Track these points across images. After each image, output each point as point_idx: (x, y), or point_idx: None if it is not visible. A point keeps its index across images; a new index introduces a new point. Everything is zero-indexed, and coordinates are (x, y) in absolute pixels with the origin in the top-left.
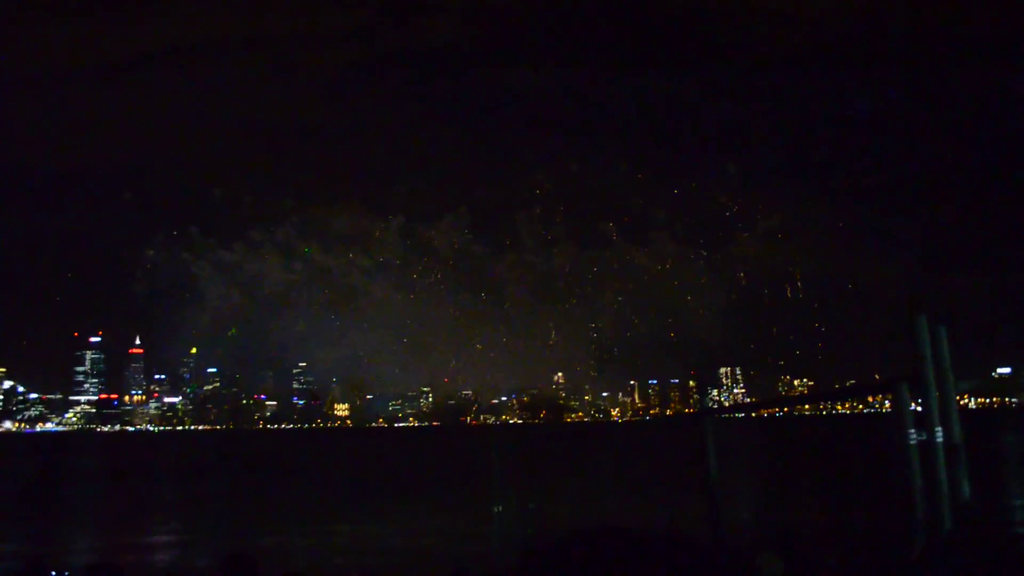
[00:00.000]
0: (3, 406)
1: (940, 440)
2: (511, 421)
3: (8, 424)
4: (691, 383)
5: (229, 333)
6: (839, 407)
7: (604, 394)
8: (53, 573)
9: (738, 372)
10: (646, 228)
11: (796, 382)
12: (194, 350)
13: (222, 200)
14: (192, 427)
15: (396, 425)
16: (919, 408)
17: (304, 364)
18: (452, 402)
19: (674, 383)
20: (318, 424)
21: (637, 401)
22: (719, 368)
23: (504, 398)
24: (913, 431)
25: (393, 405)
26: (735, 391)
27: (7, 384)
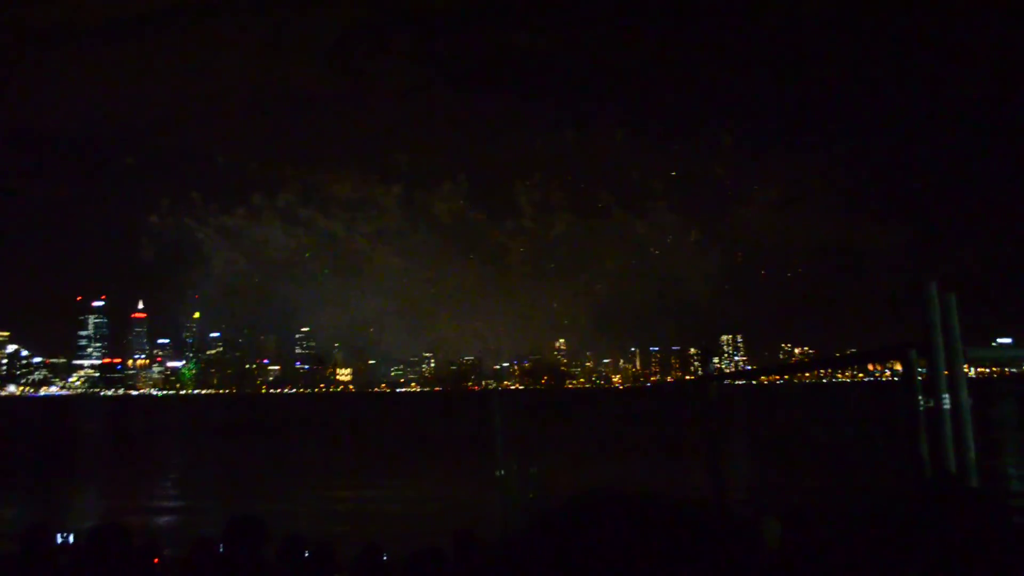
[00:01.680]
0: (7, 370)
1: (947, 407)
2: (512, 387)
3: (12, 388)
4: (692, 350)
5: (194, 316)
6: (840, 375)
7: (605, 360)
8: (59, 537)
9: (739, 340)
10: (644, 198)
11: (796, 350)
12: (197, 315)
13: (225, 166)
14: (195, 391)
15: (398, 390)
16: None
17: (307, 329)
18: (454, 367)
19: (675, 350)
20: (321, 389)
21: (638, 367)
22: (720, 336)
23: (506, 364)
24: (921, 398)
25: (395, 370)
26: (736, 359)
27: (11, 348)
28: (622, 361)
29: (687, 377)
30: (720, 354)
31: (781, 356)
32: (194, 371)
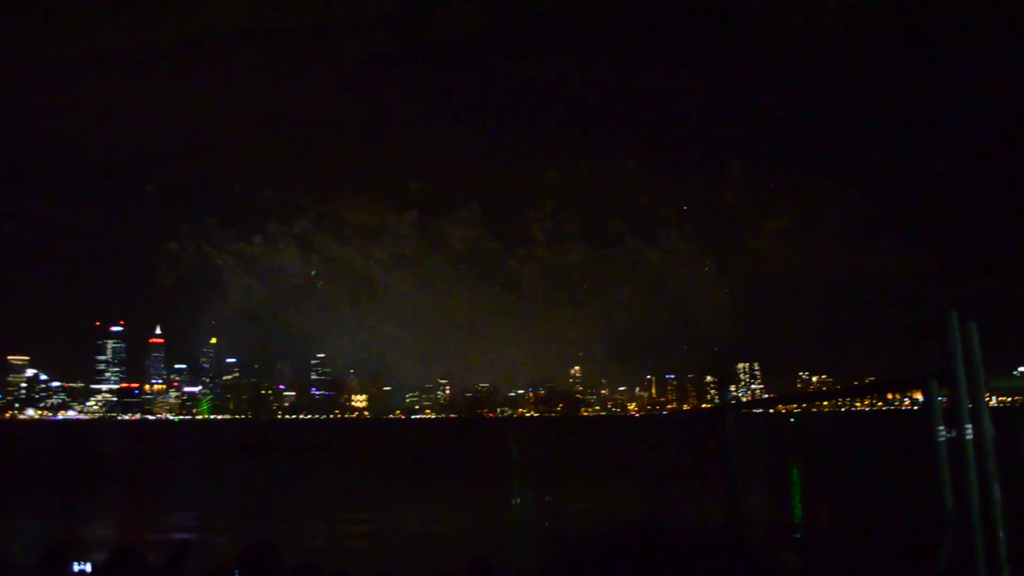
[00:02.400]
0: (26, 394)
1: (969, 437)
2: (527, 414)
3: (31, 411)
4: (708, 378)
5: (211, 342)
6: (858, 404)
7: (621, 388)
8: (76, 564)
9: (756, 368)
10: (657, 226)
11: (814, 379)
12: (214, 340)
13: (241, 194)
14: (211, 417)
15: (413, 417)
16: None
17: (322, 355)
18: (469, 394)
19: (691, 378)
20: (336, 415)
21: (654, 395)
22: (736, 363)
23: (521, 391)
24: (942, 428)
25: (410, 397)
26: (753, 387)
27: (30, 372)
28: (638, 389)
29: (703, 405)
30: (737, 382)
31: (798, 384)
32: (210, 396)
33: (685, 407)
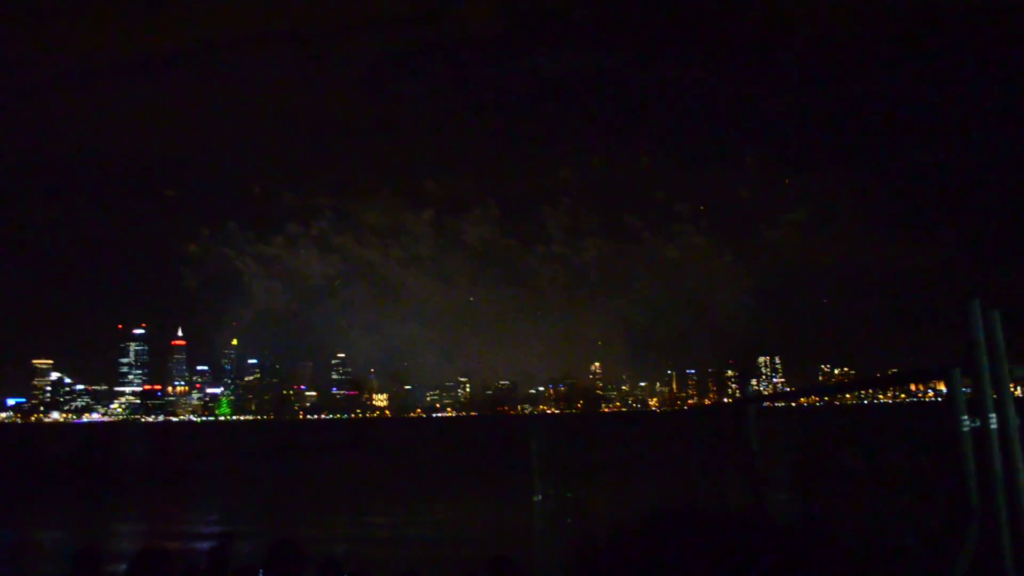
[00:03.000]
0: (51, 397)
1: (994, 427)
2: (548, 411)
3: (56, 415)
4: (729, 372)
5: (232, 343)
6: (882, 396)
7: (641, 384)
8: (107, 567)
9: (777, 361)
10: (673, 222)
11: (836, 371)
12: (235, 341)
13: (260, 196)
14: (233, 417)
15: (434, 415)
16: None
17: (343, 355)
18: (489, 392)
19: (712, 372)
20: (357, 414)
21: (675, 390)
22: (757, 357)
23: (541, 388)
24: (966, 418)
25: (431, 395)
26: (774, 380)
27: (54, 376)
28: (658, 384)
29: (725, 400)
30: (758, 376)
31: (820, 377)
32: (230, 398)
33: (706, 401)
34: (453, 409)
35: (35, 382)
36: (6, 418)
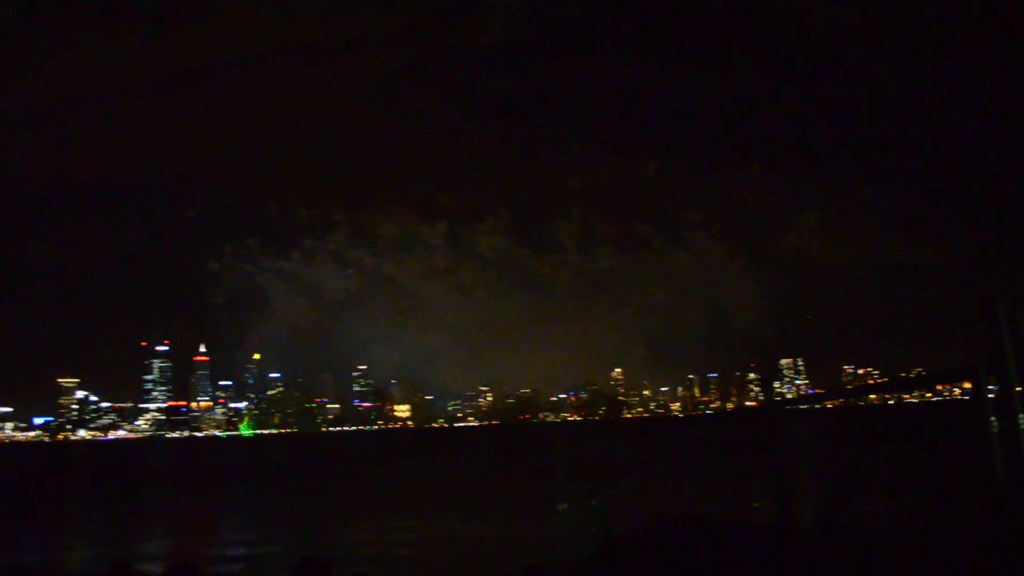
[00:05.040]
0: (78, 415)
1: None
2: (569, 418)
3: (83, 432)
4: (751, 376)
5: (254, 358)
6: (907, 396)
7: (663, 389)
8: None
9: (799, 364)
10: (684, 228)
11: (860, 371)
12: (257, 356)
13: (277, 213)
14: (257, 432)
15: (455, 425)
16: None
17: (364, 367)
18: (511, 400)
19: (735, 376)
20: (380, 426)
21: (697, 395)
22: (779, 360)
23: (562, 395)
24: (994, 418)
25: (452, 405)
26: (797, 383)
27: (80, 394)
28: (680, 389)
29: (748, 404)
30: (780, 378)
31: (844, 378)
32: (255, 413)
33: (728, 406)
34: (475, 418)
35: (61, 400)
36: (35, 437)
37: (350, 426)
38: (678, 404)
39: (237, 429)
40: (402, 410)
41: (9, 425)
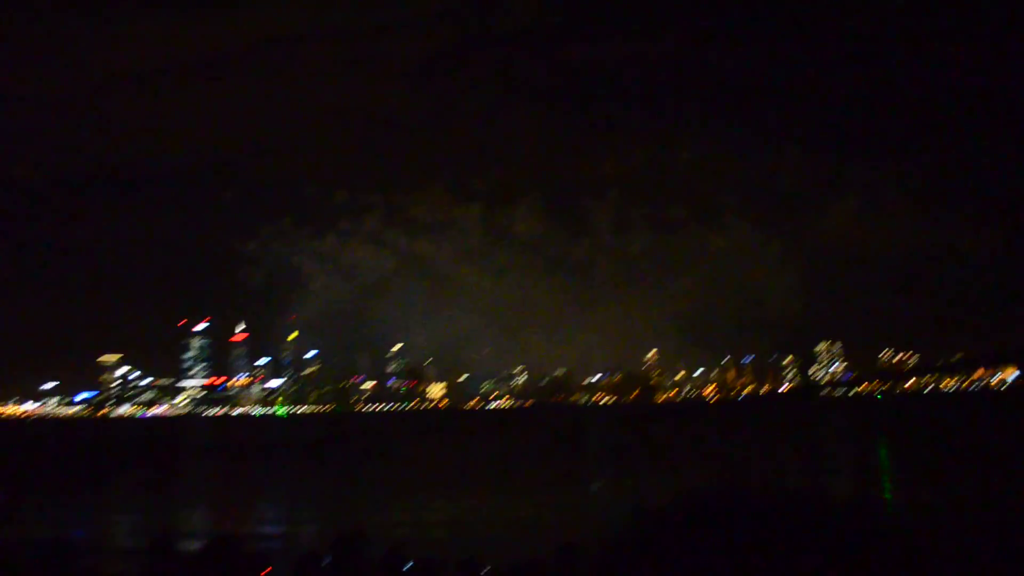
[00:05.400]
0: (120, 391)
1: None
2: (603, 400)
3: (125, 408)
4: (788, 359)
5: (291, 337)
6: (947, 380)
7: (697, 372)
8: (180, 554)
9: (837, 347)
10: (719, 212)
11: (899, 355)
12: (294, 335)
13: (313, 194)
14: (293, 409)
15: (489, 405)
16: None
17: (400, 346)
18: (544, 382)
19: (770, 360)
20: (414, 405)
21: (731, 378)
22: (816, 344)
23: (596, 377)
24: None
25: (486, 385)
26: (834, 366)
27: (122, 371)
28: (716, 372)
29: (783, 388)
30: (817, 362)
31: (882, 361)
32: (291, 391)
33: (763, 389)
34: (508, 399)
35: (103, 377)
36: (78, 412)
37: (385, 405)
38: (712, 387)
39: (273, 407)
40: (436, 390)
41: (53, 400)
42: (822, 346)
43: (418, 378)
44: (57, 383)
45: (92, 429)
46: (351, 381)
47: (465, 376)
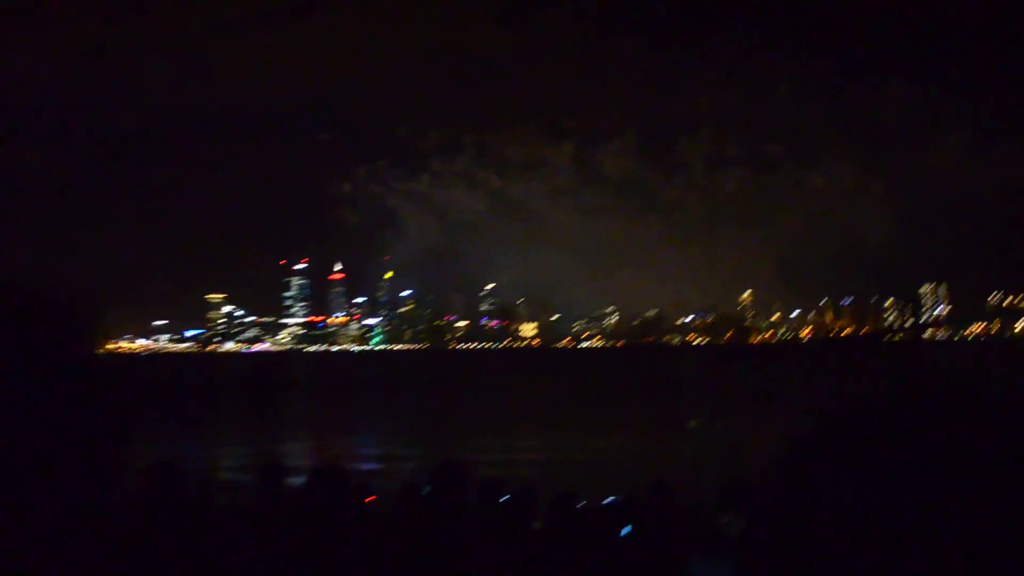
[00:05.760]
0: (225, 329)
1: None
2: (696, 341)
3: (230, 345)
4: (888, 301)
5: (386, 276)
6: None
7: (793, 314)
8: (288, 483)
9: (941, 289)
10: (817, 149)
11: (1009, 298)
12: (389, 274)
13: (406, 135)
14: (388, 347)
15: (581, 345)
16: None
17: (493, 285)
18: (636, 322)
19: (870, 302)
20: (506, 343)
21: (829, 321)
22: (919, 286)
23: (689, 318)
24: None
25: (578, 325)
26: (938, 309)
27: (227, 308)
28: (813, 313)
29: (887, 330)
30: (919, 305)
31: (990, 304)
32: (387, 328)
33: (863, 331)
34: (600, 339)
35: (210, 315)
36: (187, 348)
37: (477, 343)
38: (809, 329)
39: (370, 344)
40: (528, 329)
41: (164, 337)
42: (926, 288)
43: (510, 317)
44: (167, 321)
45: (200, 364)
46: (445, 320)
47: (557, 316)
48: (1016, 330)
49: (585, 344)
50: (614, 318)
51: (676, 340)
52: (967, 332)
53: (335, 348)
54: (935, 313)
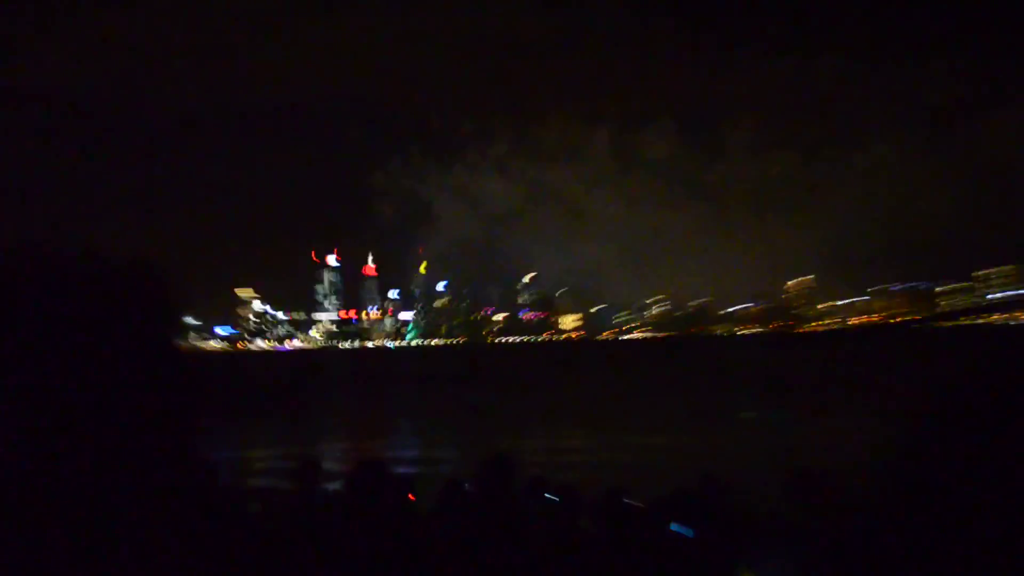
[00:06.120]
0: (256, 326)
1: None
2: (743, 331)
3: (261, 342)
4: (941, 288)
5: (421, 268)
6: None
7: (840, 302)
8: (326, 477)
9: (1001, 272)
10: (861, 131)
11: None
12: (423, 267)
13: (439, 125)
14: (424, 342)
15: (624, 337)
16: None
17: (532, 274)
18: (680, 313)
19: (922, 288)
20: (547, 336)
21: (881, 307)
22: (975, 270)
23: (736, 308)
24: None
25: (621, 316)
26: (1004, 293)
27: (258, 306)
28: (864, 300)
29: (938, 318)
30: (972, 290)
31: None
32: (422, 322)
33: (915, 318)
34: (645, 329)
35: (240, 311)
36: (217, 346)
37: (517, 337)
38: (858, 317)
39: (405, 339)
40: (569, 321)
41: (194, 335)
42: (983, 272)
43: (550, 309)
44: (200, 323)
45: (232, 362)
46: (482, 313)
47: (599, 307)
48: None
49: (629, 335)
50: (658, 308)
51: (723, 331)
52: None
53: (369, 344)
54: (995, 297)
